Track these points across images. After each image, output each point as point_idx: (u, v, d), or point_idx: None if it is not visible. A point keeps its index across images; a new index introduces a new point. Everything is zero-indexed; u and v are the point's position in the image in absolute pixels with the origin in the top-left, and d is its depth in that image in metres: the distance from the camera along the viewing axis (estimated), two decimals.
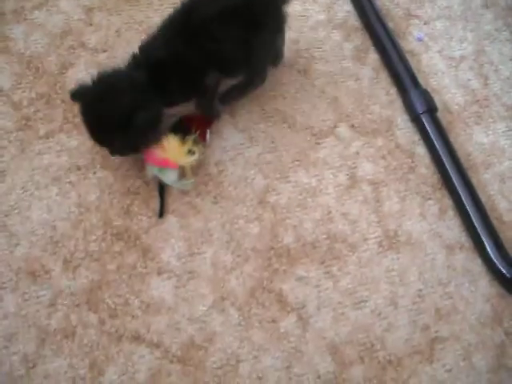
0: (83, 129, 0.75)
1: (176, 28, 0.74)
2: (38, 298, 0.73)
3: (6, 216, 0.74)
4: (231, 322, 0.73)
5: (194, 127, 0.76)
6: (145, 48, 0.75)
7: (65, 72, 0.84)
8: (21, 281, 0.72)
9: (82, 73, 0.84)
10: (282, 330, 0.73)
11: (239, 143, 0.81)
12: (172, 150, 0.74)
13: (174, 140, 0.74)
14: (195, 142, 0.75)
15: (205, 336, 0.72)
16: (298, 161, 0.81)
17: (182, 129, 0.77)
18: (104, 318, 0.72)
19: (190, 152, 0.75)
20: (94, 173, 0.78)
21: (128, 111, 0.69)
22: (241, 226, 0.77)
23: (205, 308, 0.73)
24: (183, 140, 0.74)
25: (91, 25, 0.88)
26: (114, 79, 0.72)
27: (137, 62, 0.74)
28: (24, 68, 0.84)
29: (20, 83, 0.83)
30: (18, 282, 0.72)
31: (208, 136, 0.80)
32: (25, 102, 0.82)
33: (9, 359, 0.69)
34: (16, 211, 0.75)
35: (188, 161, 0.75)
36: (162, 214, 0.77)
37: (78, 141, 0.79)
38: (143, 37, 0.80)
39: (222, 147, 0.80)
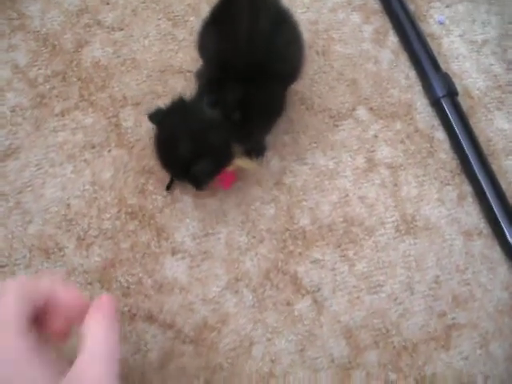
0: (98, 106, 0.74)
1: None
2: (51, 275, 0.70)
3: (20, 193, 0.74)
4: (245, 304, 0.71)
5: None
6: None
7: (80, 50, 0.83)
8: (34, 258, 0.72)
9: (98, 51, 0.83)
10: (297, 313, 0.72)
11: None
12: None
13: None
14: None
15: (218, 317, 0.71)
16: (315, 143, 0.80)
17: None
18: (117, 297, 0.70)
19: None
20: (109, 151, 0.77)
21: (188, 157, 0.66)
22: (256, 207, 0.76)
23: (219, 289, 0.72)
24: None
25: (107, 3, 0.86)
26: (189, 113, 0.69)
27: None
28: (40, 45, 0.83)
29: (36, 60, 0.82)
30: (31, 259, 0.72)
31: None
32: (40, 79, 0.80)
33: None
34: (29, 188, 0.74)
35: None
36: (169, 187, 0.77)
37: (92, 119, 0.78)
38: (159, 17, 0.79)
39: None
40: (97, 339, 0.45)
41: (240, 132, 0.69)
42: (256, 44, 0.67)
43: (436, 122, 0.85)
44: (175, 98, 0.69)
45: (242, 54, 0.67)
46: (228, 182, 0.77)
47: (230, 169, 0.71)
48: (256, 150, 0.78)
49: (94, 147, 0.77)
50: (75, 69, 0.82)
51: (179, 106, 0.68)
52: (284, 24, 0.71)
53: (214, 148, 0.67)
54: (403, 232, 0.77)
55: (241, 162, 0.73)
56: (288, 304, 0.72)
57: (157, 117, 0.69)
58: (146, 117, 0.69)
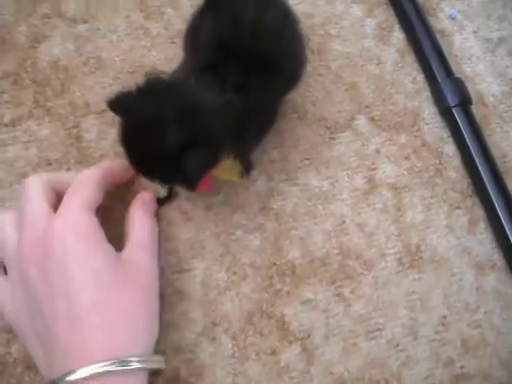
0: (56, 115, 0.67)
1: None
2: None
3: None
4: (224, 353, 0.62)
5: None
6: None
7: (37, 46, 0.71)
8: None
9: (58, 48, 0.70)
10: (283, 364, 0.62)
11: None
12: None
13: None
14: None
15: (193, 369, 0.62)
16: (308, 159, 0.69)
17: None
18: None
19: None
20: (68, 168, 0.66)
21: (179, 150, 0.51)
22: (238, 236, 0.65)
23: (193, 335, 0.62)
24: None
25: None
26: (171, 94, 0.54)
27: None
28: None
29: None
30: None
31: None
32: None
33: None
34: None
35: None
36: (161, 200, 0.67)
37: (49, 130, 0.67)
38: (130, 7, 0.66)
39: None
40: (140, 232, 0.58)
41: (236, 126, 0.56)
42: (262, 34, 0.59)
43: (446, 133, 0.74)
44: (149, 77, 0.55)
45: (245, 43, 0.58)
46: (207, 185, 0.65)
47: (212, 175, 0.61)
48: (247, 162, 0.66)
49: (50, 164, 0.66)
50: (29, 69, 0.70)
51: (156, 87, 0.54)
52: (289, 17, 0.64)
53: (208, 135, 0.53)
54: (407, 265, 0.66)
55: (224, 172, 0.62)
56: (273, 353, 0.62)
57: (122, 103, 0.53)
58: (106, 104, 0.54)
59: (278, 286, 0.65)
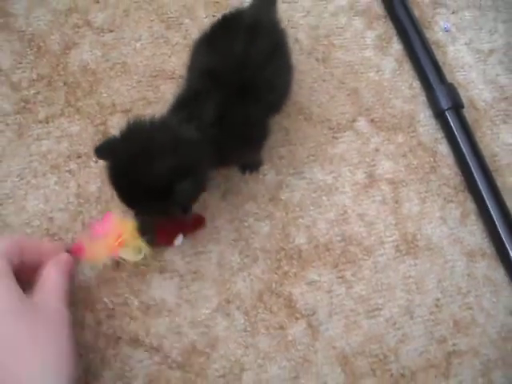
0: (85, 113, 0.73)
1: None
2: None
3: (0, 205, 0.68)
4: (236, 328, 0.68)
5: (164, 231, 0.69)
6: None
7: (68, 52, 0.79)
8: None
9: (87, 54, 0.78)
10: (290, 338, 0.68)
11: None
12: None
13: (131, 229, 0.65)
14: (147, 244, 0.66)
15: (207, 341, 0.67)
16: (313, 156, 0.76)
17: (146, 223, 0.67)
18: (101, 319, 0.68)
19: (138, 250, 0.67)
20: (96, 161, 0.73)
21: (169, 178, 0.56)
22: (250, 223, 0.72)
23: (208, 311, 0.68)
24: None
25: (98, 2, 0.82)
26: (153, 132, 0.59)
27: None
28: (25, 47, 0.78)
29: (20, 63, 0.78)
30: None
31: (179, 241, 0.71)
32: (24, 84, 0.76)
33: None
34: (11, 200, 0.70)
35: (130, 258, 0.67)
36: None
37: (79, 126, 0.74)
38: (152, 18, 0.74)
39: None
40: (50, 280, 0.59)
41: (217, 153, 0.61)
42: (248, 66, 0.64)
43: (440, 134, 0.81)
44: (130, 121, 0.60)
45: (231, 72, 0.63)
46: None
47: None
48: (250, 166, 0.74)
49: (79, 157, 0.73)
50: (62, 73, 0.77)
51: (139, 128, 0.59)
52: (279, 50, 0.69)
53: (193, 166, 0.58)
54: (404, 252, 0.73)
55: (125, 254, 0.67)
56: (281, 328, 0.68)
57: (108, 148, 0.59)
58: (94, 151, 0.59)
59: (286, 268, 0.71)
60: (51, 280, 0.58)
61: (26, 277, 0.57)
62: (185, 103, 0.64)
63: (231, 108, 0.62)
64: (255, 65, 0.64)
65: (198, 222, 0.72)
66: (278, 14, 0.73)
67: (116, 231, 0.65)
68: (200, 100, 0.63)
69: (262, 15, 0.70)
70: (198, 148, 0.58)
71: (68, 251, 0.65)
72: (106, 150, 0.59)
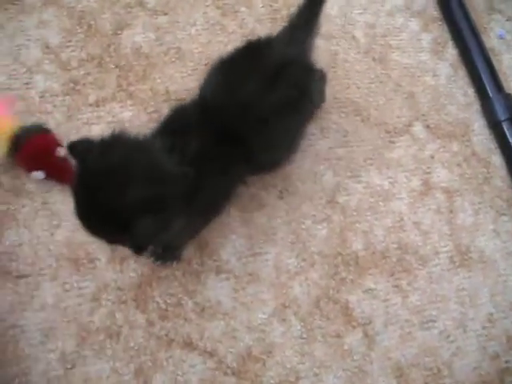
0: (138, 99, 0.71)
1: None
2: (80, 289, 0.64)
3: (47, 192, 0.64)
4: (292, 334, 0.65)
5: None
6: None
7: (120, 33, 0.74)
8: (61, 268, 0.65)
9: (140, 36, 0.74)
10: (346, 347, 0.66)
11: (310, 133, 0.72)
12: None
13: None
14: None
15: (263, 347, 0.65)
16: (370, 159, 0.74)
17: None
18: (153, 319, 0.65)
19: None
20: None
21: (131, 209, 0.49)
22: (308, 226, 0.69)
23: (265, 316, 0.65)
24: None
25: None
26: (133, 151, 0.52)
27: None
28: (75, 24, 0.74)
29: (70, 41, 0.73)
30: (58, 270, 0.65)
31: (37, 176, 0.67)
32: (74, 63, 0.72)
33: (45, 356, 0.61)
34: (58, 188, 0.65)
35: None
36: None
37: (131, 112, 0.71)
38: (208, 3, 0.75)
39: None
40: None
41: (185, 197, 0.53)
42: (251, 115, 0.57)
43: (493, 145, 0.79)
44: (115, 130, 0.54)
45: (230, 114, 0.57)
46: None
47: None
48: (166, 252, 0.66)
49: None
50: (113, 54, 0.73)
51: (121, 142, 0.52)
52: (294, 105, 0.61)
53: (161, 202, 0.50)
54: (457, 264, 0.72)
55: None
56: (338, 336, 0.66)
57: (80, 149, 0.51)
58: (67, 146, 0.52)
59: (343, 275, 0.69)
60: None
61: None
62: (174, 127, 0.58)
63: (213, 154, 0.56)
64: (259, 116, 0.58)
65: (67, 172, 0.65)
66: (314, 48, 0.67)
67: None
68: (188, 132, 0.57)
69: (293, 53, 0.62)
70: (173, 184, 0.51)
71: None
72: (79, 149, 0.51)
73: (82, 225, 0.51)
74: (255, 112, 0.57)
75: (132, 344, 0.63)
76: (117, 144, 0.52)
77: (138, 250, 0.50)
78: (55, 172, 0.66)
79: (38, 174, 0.65)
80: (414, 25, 0.83)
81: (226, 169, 0.58)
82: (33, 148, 0.64)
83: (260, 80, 0.57)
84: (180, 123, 0.59)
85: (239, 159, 0.58)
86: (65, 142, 0.66)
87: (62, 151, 0.65)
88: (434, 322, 0.70)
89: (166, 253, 0.66)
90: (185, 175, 0.52)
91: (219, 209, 0.63)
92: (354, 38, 0.80)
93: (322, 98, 0.71)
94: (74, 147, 0.52)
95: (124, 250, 0.64)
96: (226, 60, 0.61)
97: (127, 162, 0.50)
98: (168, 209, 0.50)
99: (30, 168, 0.65)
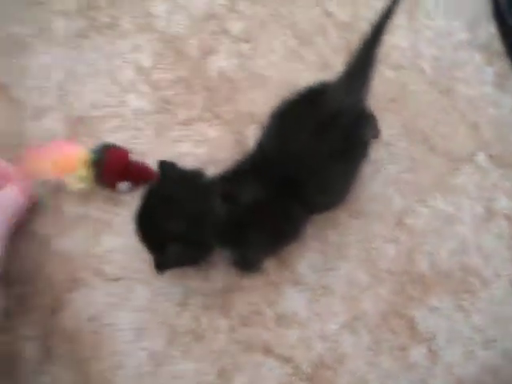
0: (223, 120, 0.78)
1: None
2: (169, 294, 0.71)
3: None
4: (362, 345, 0.71)
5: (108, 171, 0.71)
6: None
7: (206, 58, 0.81)
8: (153, 274, 0.68)
9: (224, 61, 0.80)
10: (412, 360, 0.71)
11: (380, 158, 0.77)
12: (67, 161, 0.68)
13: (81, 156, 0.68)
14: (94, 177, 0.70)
15: (335, 356, 0.70)
16: (436, 185, 0.78)
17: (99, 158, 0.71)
18: (235, 325, 0.71)
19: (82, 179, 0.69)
20: None
21: (166, 235, 0.60)
22: (377, 245, 0.74)
23: (337, 326, 0.70)
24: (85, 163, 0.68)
25: (235, 12, 0.84)
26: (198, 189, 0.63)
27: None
28: (165, 48, 0.81)
29: (160, 63, 0.80)
30: (150, 275, 0.70)
31: (123, 187, 0.74)
32: (164, 84, 0.79)
33: (137, 353, 0.67)
34: None
35: (72, 184, 0.70)
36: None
37: (217, 132, 0.77)
38: (286, 33, 0.81)
39: None
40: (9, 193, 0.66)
41: (232, 241, 0.65)
42: (306, 162, 0.63)
43: None
44: (196, 168, 0.65)
45: (284, 162, 0.63)
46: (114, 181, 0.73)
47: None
48: (244, 264, 0.73)
49: (216, 163, 0.73)
50: (200, 77, 0.80)
51: (192, 178, 0.63)
52: (349, 152, 0.66)
53: (195, 240, 0.61)
54: None
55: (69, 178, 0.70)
56: (403, 349, 0.71)
57: (167, 169, 0.63)
58: (158, 162, 0.63)
59: (410, 292, 0.74)
60: (11, 195, 0.66)
61: None
62: (236, 174, 0.66)
63: (269, 201, 0.63)
64: (312, 164, 0.63)
65: (146, 173, 0.73)
66: (369, 96, 0.71)
67: (68, 156, 0.68)
68: (244, 180, 0.64)
69: (347, 102, 0.65)
70: (213, 229, 0.61)
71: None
72: (165, 168, 0.62)
73: (136, 232, 0.61)
74: (308, 160, 0.62)
75: (215, 347, 0.68)
76: (188, 179, 0.63)
77: (159, 268, 0.61)
78: (137, 177, 0.72)
79: (124, 186, 0.72)
80: (478, 58, 0.88)
81: (285, 212, 0.65)
82: (113, 163, 0.71)
83: (314, 129, 0.62)
84: (240, 172, 0.65)
85: (295, 203, 0.65)
86: (152, 157, 0.72)
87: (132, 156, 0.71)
88: (496, 341, 0.73)
89: (247, 264, 0.70)
90: (228, 219, 0.61)
91: (285, 241, 0.71)
92: (421, 70, 0.85)
93: (376, 134, 0.75)
94: (163, 165, 0.62)
95: (209, 260, 0.69)
96: (281, 109, 0.67)
97: (186, 197, 0.61)
98: (198, 244, 0.60)
99: (116, 181, 0.72)
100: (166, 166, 0.62)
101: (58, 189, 0.71)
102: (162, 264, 0.61)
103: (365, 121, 0.68)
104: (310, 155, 0.62)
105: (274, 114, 0.66)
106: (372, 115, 0.71)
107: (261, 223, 0.63)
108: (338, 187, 0.69)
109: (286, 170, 0.62)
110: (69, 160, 0.68)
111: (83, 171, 0.69)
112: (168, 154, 0.71)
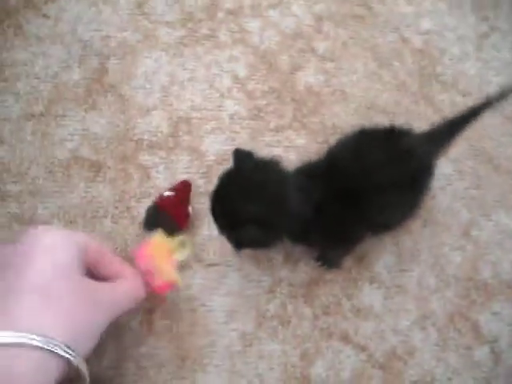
0: (310, 129, 0.84)
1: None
2: (259, 282, 0.76)
3: None
4: (431, 341, 0.77)
5: (172, 212, 0.74)
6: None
7: (295, 72, 0.88)
8: (245, 262, 0.76)
9: (311, 77, 0.88)
10: (476, 359, 0.77)
11: (449, 174, 0.85)
12: (160, 258, 0.66)
13: (160, 243, 0.66)
14: (182, 242, 0.68)
15: (406, 349, 0.76)
16: (499, 202, 0.85)
17: (160, 219, 0.74)
18: (318, 314, 0.77)
19: (179, 252, 0.69)
20: None
21: (248, 214, 0.61)
22: (445, 252, 0.81)
23: (408, 322, 0.77)
24: (170, 239, 0.67)
25: (320, 32, 0.92)
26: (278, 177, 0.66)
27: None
28: (258, 61, 0.88)
29: (254, 74, 0.87)
30: (243, 263, 0.77)
31: (190, 214, 0.77)
32: (257, 93, 0.86)
33: (228, 334, 0.73)
34: None
35: (179, 259, 0.69)
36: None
37: (305, 140, 0.84)
38: (367, 55, 0.89)
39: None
40: (126, 280, 0.60)
41: (299, 234, 0.68)
42: (374, 181, 0.66)
43: None
44: (273, 157, 0.68)
45: (355, 173, 0.68)
46: (183, 218, 0.76)
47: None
48: (325, 259, 0.79)
49: None
50: (290, 90, 0.87)
51: (268, 166, 0.66)
52: (406, 191, 0.69)
53: (272, 222, 0.62)
54: None
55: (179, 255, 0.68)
56: (468, 348, 0.77)
57: (240, 156, 0.65)
58: (234, 150, 0.66)
59: (474, 297, 0.81)
60: (123, 290, 0.60)
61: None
62: (309, 172, 0.70)
63: (331, 206, 0.66)
64: (382, 184, 0.67)
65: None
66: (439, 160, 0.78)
67: (161, 255, 0.67)
68: (315, 179, 0.68)
69: (425, 150, 0.72)
70: (288, 213, 0.63)
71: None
72: (240, 156, 0.65)
73: (211, 211, 0.66)
74: (378, 181, 0.65)
75: (299, 332, 0.75)
76: (265, 166, 0.66)
77: (237, 246, 0.66)
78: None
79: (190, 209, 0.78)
80: None
81: (341, 220, 0.68)
82: (176, 210, 0.77)
83: (390, 156, 0.67)
84: (312, 171, 0.70)
85: (353, 215, 0.68)
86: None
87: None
88: None
89: (330, 260, 0.78)
90: (301, 212, 0.63)
91: (347, 246, 0.76)
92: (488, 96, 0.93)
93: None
94: (237, 153, 0.65)
95: (297, 253, 0.77)
96: (364, 131, 0.71)
97: (262, 181, 0.64)
98: (272, 228, 0.63)
99: (186, 217, 0.78)
100: (242, 154, 0.65)
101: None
102: (238, 243, 0.65)
103: (432, 172, 0.74)
104: (381, 177, 0.67)
105: (356, 130, 0.72)
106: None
107: (319, 223, 0.67)
108: (395, 213, 0.73)
109: (354, 183, 0.67)
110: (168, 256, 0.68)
111: (182, 251, 0.69)
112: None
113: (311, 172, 0.69)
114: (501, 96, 0.73)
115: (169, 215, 0.75)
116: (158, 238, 0.66)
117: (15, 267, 0.49)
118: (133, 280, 0.60)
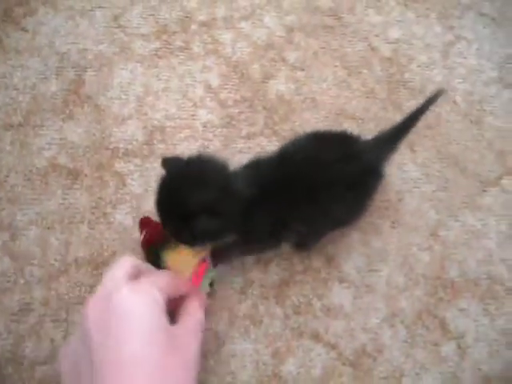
0: (281, 136, 0.87)
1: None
2: (231, 283, 0.79)
3: None
4: (399, 338, 0.79)
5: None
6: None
7: (266, 81, 0.91)
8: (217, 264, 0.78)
9: (282, 86, 0.91)
10: (443, 354, 0.79)
11: (417, 177, 0.88)
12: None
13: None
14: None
15: (375, 346, 0.78)
16: (465, 203, 0.88)
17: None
18: (289, 313, 0.79)
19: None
20: None
21: (197, 208, 0.61)
22: (414, 252, 0.84)
23: (377, 321, 0.80)
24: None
25: (291, 43, 0.95)
26: (211, 169, 0.66)
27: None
28: (230, 71, 0.91)
29: (226, 84, 0.90)
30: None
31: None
32: (230, 102, 0.89)
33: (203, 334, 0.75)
34: None
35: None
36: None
37: (276, 147, 0.85)
38: (336, 64, 0.92)
39: (402, 178, 0.87)
40: (193, 318, 0.61)
41: (247, 223, 0.67)
42: (320, 178, 0.69)
43: None
44: (204, 153, 0.69)
45: (305, 168, 0.70)
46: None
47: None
48: (300, 244, 0.81)
49: None
50: (261, 98, 0.90)
51: (202, 159, 0.67)
52: (357, 189, 0.72)
53: (223, 211, 0.63)
54: None
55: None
56: (436, 344, 0.80)
57: (170, 163, 0.66)
58: (161, 160, 0.66)
59: (441, 295, 0.84)
60: (196, 318, 0.61)
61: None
62: (263, 161, 0.72)
63: (272, 200, 0.67)
64: (326, 181, 0.69)
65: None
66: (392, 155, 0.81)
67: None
68: (266, 169, 0.70)
69: (376, 153, 0.75)
70: (233, 198, 0.64)
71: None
72: (169, 163, 0.66)
73: (158, 215, 0.64)
74: (322, 174, 0.68)
75: (271, 331, 0.78)
76: (199, 160, 0.67)
77: (192, 241, 0.64)
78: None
79: None
80: (507, 94, 1.00)
81: (278, 216, 0.69)
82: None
83: (337, 155, 0.70)
84: (264, 162, 0.72)
85: (293, 211, 0.70)
86: None
87: None
88: None
89: (307, 245, 0.81)
90: (246, 195, 0.64)
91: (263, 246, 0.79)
92: (454, 102, 0.97)
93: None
94: (166, 160, 0.66)
95: (268, 255, 0.79)
96: (317, 132, 0.76)
97: (201, 171, 0.64)
98: (223, 216, 0.62)
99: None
100: (171, 160, 0.66)
101: None
102: (192, 236, 0.63)
103: (379, 175, 0.77)
104: (328, 173, 0.69)
105: (310, 132, 0.75)
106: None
107: (261, 214, 0.67)
108: (340, 210, 0.75)
109: (302, 175, 0.69)
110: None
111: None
112: (233, 163, 0.78)
113: (260, 162, 0.72)
114: (432, 99, 0.79)
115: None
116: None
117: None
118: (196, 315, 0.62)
